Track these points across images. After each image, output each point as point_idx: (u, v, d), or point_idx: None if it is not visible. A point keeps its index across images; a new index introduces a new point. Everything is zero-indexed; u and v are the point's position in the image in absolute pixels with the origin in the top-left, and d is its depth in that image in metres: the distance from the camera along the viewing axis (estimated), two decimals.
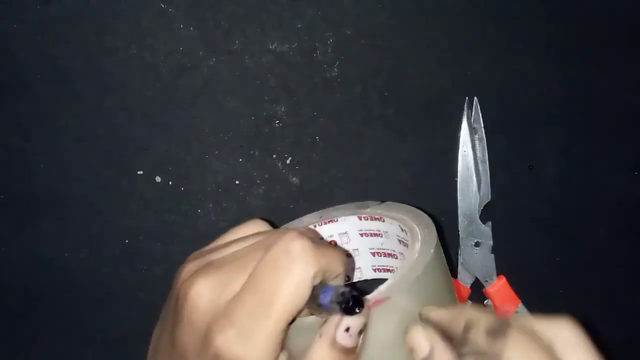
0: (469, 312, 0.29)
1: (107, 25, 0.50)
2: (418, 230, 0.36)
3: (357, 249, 0.41)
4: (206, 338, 0.28)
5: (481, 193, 0.53)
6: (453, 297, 0.35)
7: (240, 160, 0.52)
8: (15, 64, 0.50)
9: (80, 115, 0.51)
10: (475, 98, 0.53)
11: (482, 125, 0.53)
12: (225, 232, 0.34)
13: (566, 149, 0.55)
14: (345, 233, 0.41)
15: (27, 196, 0.51)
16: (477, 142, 0.53)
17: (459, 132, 0.53)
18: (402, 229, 0.38)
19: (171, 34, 0.50)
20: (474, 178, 0.53)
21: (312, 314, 0.30)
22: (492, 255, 0.53)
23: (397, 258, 0.40)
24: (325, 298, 0.28)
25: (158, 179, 0.52)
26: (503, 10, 0.53)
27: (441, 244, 0.35)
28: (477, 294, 0.54)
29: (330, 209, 0.42)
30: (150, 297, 0.52)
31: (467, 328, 0.29)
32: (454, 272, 0.53)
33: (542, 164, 0.55)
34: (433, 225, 0.36)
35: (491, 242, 0.53)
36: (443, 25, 0.53)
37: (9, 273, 0.51)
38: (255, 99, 0.52)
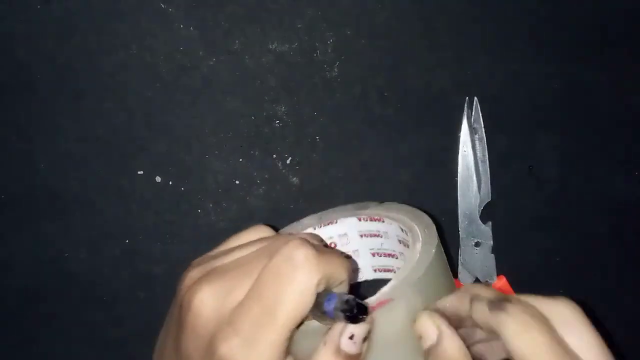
0: (473, 289, 0.30)
1: (107, 25, 0.50)
2: (418, 231, 0.36)
3: (357, 250, 0.41)
4: (210, 346, 0.28)
5: (481, 193, 0.53)
6: None
7: (240, 160, 0.52)
8: (16, 64, 0.50)
9: (80, 115, 0.50)
10: (475, 98, 0.53)
11: (482, 125, 0.53)
12: (227, 234, 0.34)
13: (566, 149, 0.55)
14: (345, 234, 0.41)
15: (27, 196, 0.51)
16: (477, 142, 0.53)
17: (459, 132, 0.53)
18: (402, 229, 0.38)
19: (171, 34, 0.50)
20: (474, 178, 0.53)
21: (317, 322, 0.30)
22: (492, 255, 0.53)
23: (397, 258, 0.40)
24: (330, 305, 0.28)
25: (158, 179, 0.52)
26: (503, 10, 0.53)
27: (441, 244, 0.35)
28: None
29: (329, 210, 0.42)
30: (150, 297, 0.52)
31: (472, 302, 0.29)
32: (454, 272, 0.53)
33: (542, 164, 0.55)
34: (433, 225, 0.36)
35: (491, 242, 0.53)
36: (443, 25, 0.53)
37: (9, 273, 0.51)
38: (255, 99, 0.52)
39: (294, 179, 0.53)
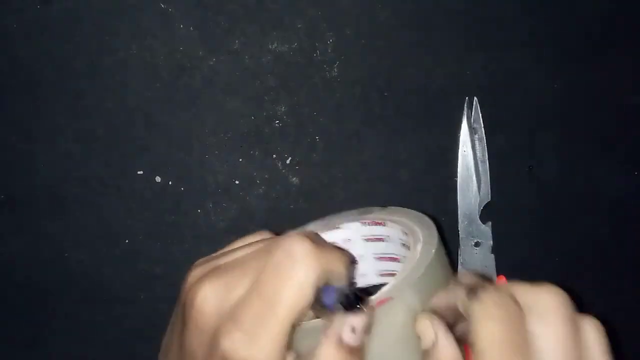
0: (463, 279, 0.30)
1: (107, 25, 0.50)
2: (419, 232, 0.36)
3: (362, 255, 0.41)
4: (213, 341, 0.29)
5: (481, 193, 0.53)
6: None
7: (240, 160, 0.52)
8: (16, 64, 0.50)
9: (80, 115, 0.51)
10: (475, 98, 0.53)
11: (482, 125, 0.53)
12: (227, 234, 0.34)
13: (566, 149, 0.55)
14: (349, 239, 0.41)
15: (27, 196, 0.51)
16: (477, 142, 0.53)
17: (459, 132, 0.53)
18: (404, 232, 0.38)
19: (171, 34, 0.50)
20: (474, 178, 0.53)
21: (317, 316, 0.30)
22: (492, 255, 0.53)
23: (400, 261, 0.40)
24: (329, 299, 0.29)
25: (158, 179, 0.52)
26: (503, 10, 0.53)
27: (442, 244, 0.35)
28: None
29: (333, 215, 0.42)
30: (150, 297, 0.52)
31: (456, 290, 0.29)
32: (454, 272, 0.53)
33: (542, 164, 0.55)
34: (434, 225, 0.36)
35: (491, 242, 0.53)
36: (443, 25, 0.53)
37: (9, 273, 0.51)
38: (255, 99, 0.52)
39: (294, 179, 0.53)
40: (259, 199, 0.52)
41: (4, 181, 0.51)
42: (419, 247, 0.34)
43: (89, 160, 0.51)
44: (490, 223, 0.53)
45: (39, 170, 0.51)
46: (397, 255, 0.40)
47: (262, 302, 0.28)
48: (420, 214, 0.39)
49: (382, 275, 0.42)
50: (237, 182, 0.52)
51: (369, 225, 0.40)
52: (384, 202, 0.42)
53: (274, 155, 0.52)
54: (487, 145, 0.53)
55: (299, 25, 0.51)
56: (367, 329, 0.29)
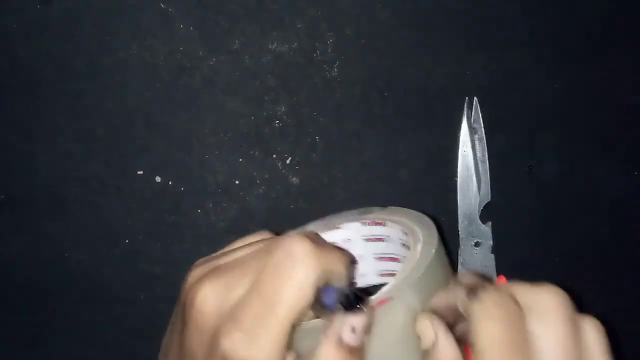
0: (463, 279, 0.30)
1: (107, 25, 0.50)
2: (419, 232, 0.36)
3: (362, 255, 0.41)
4: (213, 341, 0.29)
5: (481, 193, 0.53)
6: None
7: (240, 160, 0.52)
8: (16, 64, 0.50)
9: (80, 115, 0.51)
10: (475, 98, 0.53)
11: (482, 125, 0.53)
12: (227, 234, 0.34)
13: (566, 149, 0.55)
14: (349, 239, 0.41)
15: (27, 196, 0.51)
16: (477, 142, 0.53)
17: (459, 132, 0.53)
18: (404, 232, 0.38)
19: (171, 34, 0.50)
20: (474, 178, 0.53)
21: (317, 316, 0.30)
22: (492, 255, 0.53)
23: (400, 261, 0.40)
24: (329, 299, 0.29)
25: (158, 179, 0.52)
26: (503, 10, 0.53)
27: (442, 244, 0.35)
28: None
29: (333, 216, 0.42)
30: (150, 297, 0.52)
31: (456, 290, 0.29)
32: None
33: (542, 164, 0.55)
34: (434, 225, 0.36)
35: (491, 242, 0.53)
36: (443, 25, 0.53)
37: (9, 273, 0.51)
38: (255, 99, 0.52)
39: (294, 179, 0.53)
40: (259, 199, 0.52)
41: (4, 181, 0.51)
42: (419, 247, 0.34)
43: (89, 160, 0.51)
44: (490, 223, 0.53)
45: (39, 170, 0.51)
46: (397, 255, 0.40)
47: (262, 302, 0.28)
48: (420, 214, 0.39)
49: (382, 275, 0.42)
50: (237, 182, 0.52)
51: (369, 225, 0.40)
52: (384, 202, 0.42)
53: (274, 155, 0.52)
54: (487, 145, 0.53)
55: (299, 25, 0.52)
56: (367, 329, 0.29)
